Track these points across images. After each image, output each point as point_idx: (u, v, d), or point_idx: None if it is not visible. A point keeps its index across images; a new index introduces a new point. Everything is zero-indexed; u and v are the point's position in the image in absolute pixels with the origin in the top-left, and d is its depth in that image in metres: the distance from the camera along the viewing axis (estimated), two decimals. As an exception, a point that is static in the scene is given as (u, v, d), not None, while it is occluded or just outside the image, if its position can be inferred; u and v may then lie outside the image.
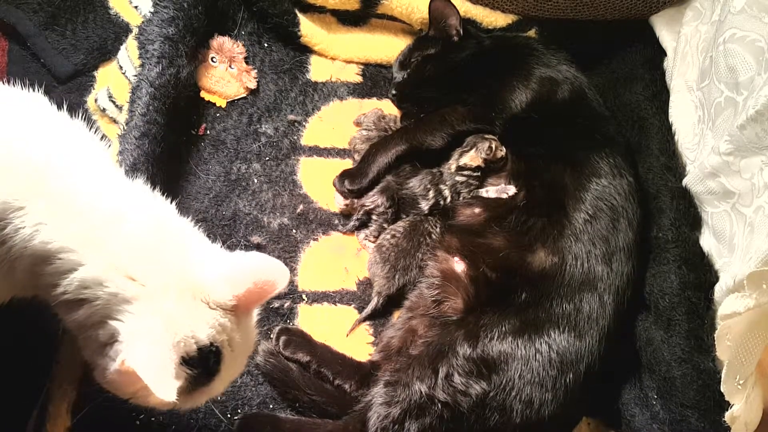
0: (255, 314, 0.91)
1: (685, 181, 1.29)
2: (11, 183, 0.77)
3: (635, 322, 1.27)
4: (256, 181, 1.45)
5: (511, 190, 1.38)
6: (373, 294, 1.35)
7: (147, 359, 0.73)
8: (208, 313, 0.81)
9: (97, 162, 0.87)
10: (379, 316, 1.36)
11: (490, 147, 1.40)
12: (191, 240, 0.89)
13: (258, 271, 0.85)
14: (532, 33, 1.64)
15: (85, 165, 0.84)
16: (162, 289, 0.79)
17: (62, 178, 0.79)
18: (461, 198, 1.43)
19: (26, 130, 0.82)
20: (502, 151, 1.42)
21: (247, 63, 1.56)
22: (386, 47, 1.66)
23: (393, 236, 1.37)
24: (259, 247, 1.37)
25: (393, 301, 1.36)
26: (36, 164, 0.79)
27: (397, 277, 1.34)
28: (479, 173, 1.43)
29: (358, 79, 1.65)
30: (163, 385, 0.72)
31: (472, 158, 1.42)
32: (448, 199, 1.43)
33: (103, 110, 1.41)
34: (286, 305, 1.33)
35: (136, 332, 0.76)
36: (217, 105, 1.51)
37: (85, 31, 1.48)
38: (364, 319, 1.35)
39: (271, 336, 1.27)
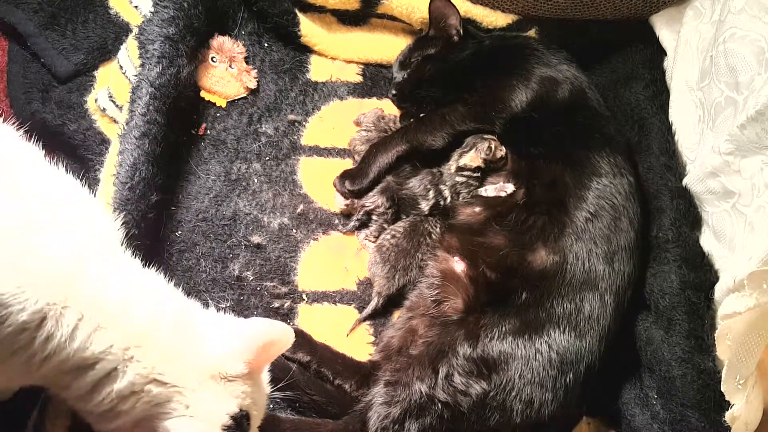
0: (266, 369, 1.01)
1: (685, 181, 1.29)
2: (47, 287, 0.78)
3: (635, 322, 1.27)
4: (256, 181, 1.45)
5: (510, 187, 1.38)
6: (374, 294, 1.36)
7: None
8: (231, 387, 0.89)
9: (116, 254, 0.90)
10: (379, 316, 1.36)
11: (489, 147, 1.40)
12: (200, 321, 0.94)
13: (263, 335, 0.93)
14: (532, 33, 1.63)
15: (106, 259, 0.87)
16: (191, 384, 0.86)
17: (93, 281, 0.82)
18: (461, 198, 1.43)
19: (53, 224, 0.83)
20: (501, 151, 1.42)
21: (247, 63, 1.56)
22: (386, 47, 1.66)
23: (393, 236, 1.37)
24: (259, 247, 1.37)
25: (393, 301, 1.36)
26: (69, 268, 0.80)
27: (397, 277, 1.34)
28: (479, 173, 1.43)
29: (358, 79, 1.65)
30: None
31: (471, 158, 1.41)
32: (448, 200, 1.43)
33: (104, 110, 1.41)
34: (286, 305, 1.33)
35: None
36: (217, 105, 1.51)
37: (86, 31, 1.48)
38: (364, 319, 1.35)
39: (271, 336, 1.27)
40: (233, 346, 0.90)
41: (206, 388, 0.87)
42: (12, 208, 0.78)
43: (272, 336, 0.93)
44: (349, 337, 1.33)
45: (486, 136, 1.43)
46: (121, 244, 0.92)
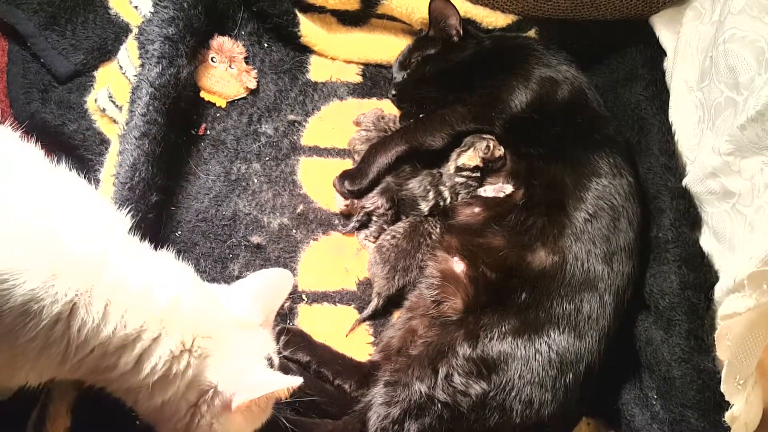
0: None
1: (685, 181, 1.29)
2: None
3: (635, 322, 1.27)
4: (256, 181, 1.45)
5: (508, 188, 1.38)
6: (373, 295, 1.36)
7: (260, 379, 0.92)
8: (256, 334, 0.99)
9: (128, 240, 0.94)
10: (379, 317, 1.36)
11: (488, 146, 1.40)
12: (210, 287, 1.03)
13: (264, 283, 1.03)
14: (532, 33, 1.64)
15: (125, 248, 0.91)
16: (225, 334, 0.93)
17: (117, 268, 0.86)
18: (460, 199, 1.43)
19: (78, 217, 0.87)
20: (500, 151, 1.42)
21: (247, 63, 1.56)
22: (386, 47, 1.66)
23: (393, 237, 1.37)
24: (259, 247, 1.37)
25: (393, 301, 1.36)
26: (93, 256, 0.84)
27: (397, 277, 1.34)
28: (478, 173, 1.43)
29: (358, 79, 1.65)
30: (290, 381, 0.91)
31: (470, 158, 1.41)
32: (448, 200, 1.43)
33: (103, 110, 1.41)
34: (286, 305, 1.33)
35: (233, 372, 0.91)
36: (217, 105, 1.51)
37: (85, 31, 1.48)
38: (364, 320, 1.35)
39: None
40: (248, 300, 0.99)
41: (239, 336, 0.95)
42: (30, 205, 0.81)
43: (272, 281, 1.04)
44: (349, 337, 1.33)
45: (484, 136, 1.43)
46: (129, 231, 0.96)
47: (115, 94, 1.39)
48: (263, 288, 1.03)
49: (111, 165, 1.25)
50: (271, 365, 0.98)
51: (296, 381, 0.92)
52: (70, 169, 0.94)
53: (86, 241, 0.83)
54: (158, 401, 0.89)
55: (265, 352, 0.98)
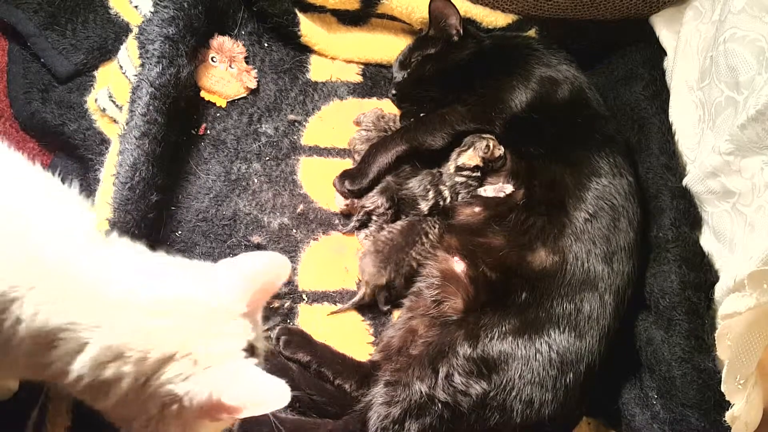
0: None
1: (685, 181, 1.29)
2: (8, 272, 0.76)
3: (635, 322, 1.27)
4: (256, 180, 1.45)
5: (508, 188, 1.38)
6: (362, 284, 1.35)
7: (247, 382, 0.79)
8: (238, 324, 0.84)
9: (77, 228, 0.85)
10: (379, 316, 1.36)
11: (487, 146, 1.40)
12: (193, 274, 0.88)
13: (259, 269, 0.87)
14: (532, 33, 1.63)
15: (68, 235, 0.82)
16: (197, 331, 0.80)
17: (57, 259, 0.78)
18: (460, 198, 1.43)
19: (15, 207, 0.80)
20: (499, 150, 1.42)
21: (247, 63, 1.56)
22: (386, 47, 1.66)
23: (390, 231, 1.37)
24: (259, 247, 1.37)
25: (393, 302, 1.36)
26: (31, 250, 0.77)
27: (388, 269, 1.33)
28: (479, 173, 1.43)
29: (358, 78, 1.65)
30: (277, 388, 0.78)
31: (470, 157, 1.42)
32: (448, 200, 1.43)
33: (103, 110, 1.41)
34: (286, 305, 1.33)
35: (203, 382, 0.78)
36: (217, 105, 1.51)
37: (85, 31, 1.48)
38: (351, 308, 1.35)
39: (271, 336, 1.27)
40: (233, 283, 0.85)
41: (213, 332, 0.82)
42: None
43: (265, 266, 0.87)
44: (349, 337, 1.33)
45: (484, 135, 1.43)
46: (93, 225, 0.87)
47: (115, 93, 1.39)
48: (254, 273, 0.86)
49: (111, 165, 1.25)
50: (252, 354, 0.85)
51: (281, 395, 0.79)
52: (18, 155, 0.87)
53: (21, 234, 0.77)
54: (117, 409, 0.81)
55: (243, 342, 0.83)
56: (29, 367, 0.81)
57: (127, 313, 0.78)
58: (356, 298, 1.34)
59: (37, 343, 0.76)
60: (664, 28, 1.55)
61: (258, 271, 0.87)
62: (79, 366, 0.76)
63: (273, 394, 0.79)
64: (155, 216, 1.28)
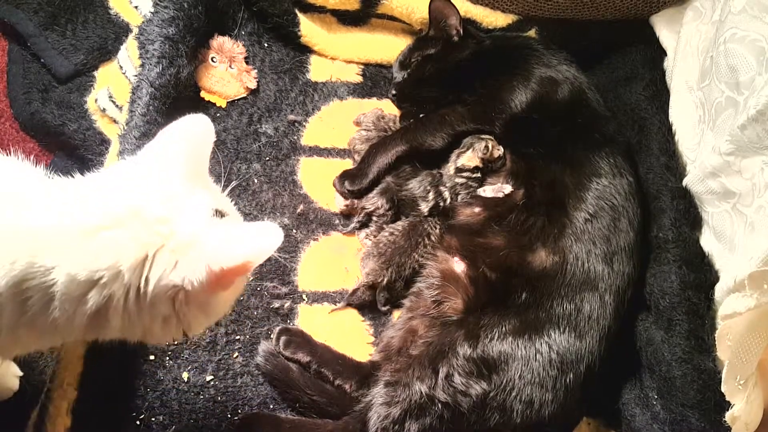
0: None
1: (685, 181, 1.29)
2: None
3: (635, 322, 1.27)
4: (256, 181, 1.45)
5: (507, 188, 1.38)
6: (361, 282, 1.35)
7: (236, 239, 0.77)
8: (195, 197, 0.83)
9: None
10: (379, 317, 1.36)
11: (486, 147, 1.40)
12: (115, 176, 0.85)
13: (182, 137, 0.86)
14: (532, 33, 1.64)
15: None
16: (160, 225, 0.77)
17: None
18: (459, 199, 1.43)
19: None
20: (499, 151, 1.42)
21: (247, 63, 1.56)
22: (386, 47, 1.66)
23: (391, 234, 1.37)
24: (259, 247, 1.37)
25: (393, 302, 1.36)
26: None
27: (390, 270, 1.33)
28: (479, 174, 1.43)
29: (358, 79, 1.65)
30: (267, 228, 0.77)
31: (469, 159, 1.42)
32: (448, 201, 1.43)
33: (104, 110, 1.41)
34: (286, 305, 1.33)
35: (190, 261, 0.75)
36: (217, 105, 1.51)
37: (85, 31, 1.48)
38: (349, 305, 1.34)
39: (272, 336, 1.27)
40: (164, 164, 0.83)
41: (173, 215, 0.78)
42: None
43: (186, 132, 0.87)
44: (349, 337, 1.33)
45: (483, 136, 1.43)
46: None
47: (115, 94, 1.39)
48: (179, 144, 0.85)
49: (111, 165, 1.25)
50: (222, 216, 0.83)
51: (274, 233, 0.77)
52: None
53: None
54: (130, 328, 0.79)
55: (208, 210, 0.81)
56: (41, 336, 0.79)
57: (72, 240, 0.74)
58: (354, 287, 1.34)
59: (17, 302, 0.73)
60: (664, 28, 1.55)
61: (182, 140, 0.85)
62: (60, 307, 0.73)
63: (267, 236, 0.78)
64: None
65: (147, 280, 0.75)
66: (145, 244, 0.75)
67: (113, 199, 0.77)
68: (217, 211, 0.83)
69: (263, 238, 0.78)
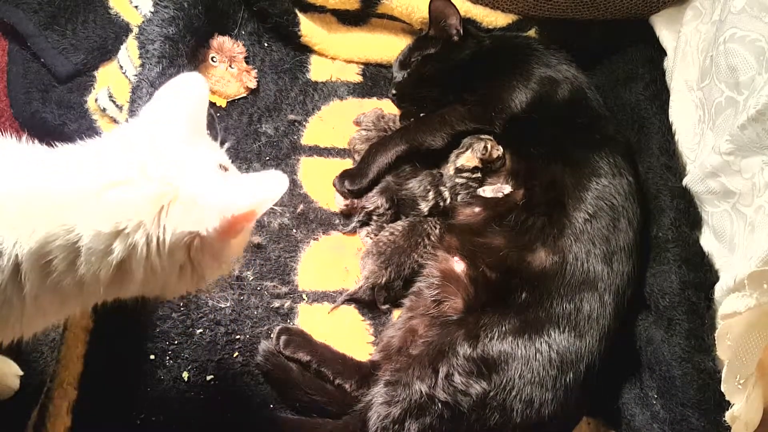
0: None
1: (685, 181, 1.29)
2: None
3: (635, 322, 1.27)
4: (256, 180, 1.45)
5: (507, 188, 1.38)
6: (361, 280, 1.35)
7: (244, 187, 0.82)
8: (196, 151, 0.87)
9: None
10: (379, 316, 1.36)
11: (485, 147, 1.40)
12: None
13: (178, 96, 0.89)
14: (532, 33, 1.64)
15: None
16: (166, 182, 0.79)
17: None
18: (459, 199, 1.43)
19: None
20: (498, 151, 1.42)
21: (247, 63, 1.56)
22: (386, 47, 1.66)
23: (391, 233, 1.37)
24: (259, 247, 1.37)
25: (393, 302, 1.36)
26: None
27: (389, 270, 1.33)
28: (478, 174, 1.43)
29: (358, 78, 1.65)
30: (273, 176, 0.82)
31: (468, 159, 1.42)
32: (448, 201, 1.43)
33: (104, 110, 1.41)
34: (286, 305, 1.33)
35: (201, 209, 0.79)
36: (217, 105, 1.51)
37: (86, 31, 1.48)
38: (347, 301, 1.35)
39: (272, 336, 1.27)
40: (164, 125, 0.86)
41: (177, 170, 0.81)
42: None
43: (180, 91, 0.89)
44: (350, 337, 1.33)
45: (482, 136, 1.43)
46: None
47: (115, 93, 1.39)
48: (178, 101, 0.88)
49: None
50: (227, 170, 0.88)
51: (280, 180, 0.82)
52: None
53: None
54: (153, 280, 0.82)
55: (214, 164, 0.86)
56: (64, 301, 0.80)
57: (90, 198, 0.76)
58: (353, 289, 1.34)
59: (39, 267, 0.74)
60: (664, 28, 1.55)
61: (180, 98, 0.88)
62: (87, 261, 0.76)
63: (272, 183, 0.83)
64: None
65: (164, 229, 0.78)
66: (160, 195, 0.78)
67: (125, 157, 0.80)
68: (221, 165, 0.87)
69: (269, 186, 0.83)
